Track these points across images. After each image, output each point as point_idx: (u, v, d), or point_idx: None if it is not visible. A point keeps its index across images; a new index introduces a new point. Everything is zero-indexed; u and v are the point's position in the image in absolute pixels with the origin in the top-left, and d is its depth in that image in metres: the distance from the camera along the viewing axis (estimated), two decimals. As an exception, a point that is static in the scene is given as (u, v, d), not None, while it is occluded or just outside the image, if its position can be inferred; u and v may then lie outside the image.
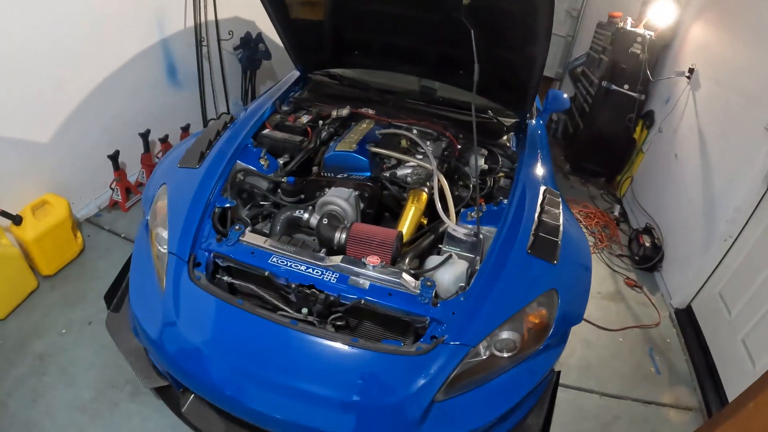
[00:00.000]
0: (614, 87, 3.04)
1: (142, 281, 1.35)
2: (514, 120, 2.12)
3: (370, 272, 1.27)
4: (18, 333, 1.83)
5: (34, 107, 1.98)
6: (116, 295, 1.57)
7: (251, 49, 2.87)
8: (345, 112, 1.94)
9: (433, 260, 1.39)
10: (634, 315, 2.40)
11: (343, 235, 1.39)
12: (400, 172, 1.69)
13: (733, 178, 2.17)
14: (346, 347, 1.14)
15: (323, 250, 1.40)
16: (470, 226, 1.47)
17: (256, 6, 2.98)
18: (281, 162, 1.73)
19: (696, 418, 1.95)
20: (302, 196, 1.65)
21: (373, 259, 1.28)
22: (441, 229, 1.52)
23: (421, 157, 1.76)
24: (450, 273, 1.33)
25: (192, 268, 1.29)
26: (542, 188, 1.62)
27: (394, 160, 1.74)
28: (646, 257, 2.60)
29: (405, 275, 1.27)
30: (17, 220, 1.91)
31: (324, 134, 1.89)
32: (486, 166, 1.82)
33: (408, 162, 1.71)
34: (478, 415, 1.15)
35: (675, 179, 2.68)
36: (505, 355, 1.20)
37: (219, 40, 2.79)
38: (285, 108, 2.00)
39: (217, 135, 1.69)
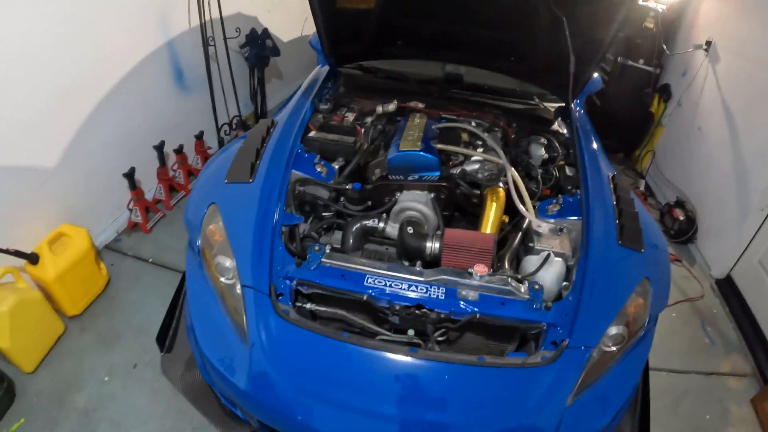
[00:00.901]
0: (630, 62, 3.03)
1: (209, 321, 1.19)
2: (558, 105, 2.06)
3: (477, 282, 1.18)
4: (53, 386, 1.61)
5: (36, 127, 1.73)
6: (168, 334, 1.41)
7: (258, 46, 2.65)
8: (392, 107, 1.79)
9: (531, 261, 1.31)
10: (680, 289, 2.43)
11: (436, 244, 1.28)
12: (469, 168, 1.59)
13: (763, 149, 2.19)
14: (474, 368, 1.05)
15: (418, 263, 1.29)
16: (552, 221, 1.42)
17: (258, 0, 2.78)
18: (337, 167, 1.59)
19: (752, 383, 2.00)
20: (369, 203, 1.52)
21: (480, 268, 1.18)
22: (524, 226, 1.44)
23: (482, 149, 1.66)
24: (551, 273, 1.27)
25: (275, 301, 1.14)
26: (609, 174, 1.57)
27: (461, 157, 1.63)
28: (681, 230, 2.63)
29: (512, 281, 1.19)
30: (33, 258, 1.68)
31: (373, 132, 1.75)
32: (546, 155, 1.75)
33: (473, 157, 1.61)
34: (601, 413, 1.11)
35: (701, 152, 2.70)
36: (614, 349, 1.16)
37: (225, 39, 2.54)
38: (324, 106, 1.83)
39: (262, 142, 1.52)
